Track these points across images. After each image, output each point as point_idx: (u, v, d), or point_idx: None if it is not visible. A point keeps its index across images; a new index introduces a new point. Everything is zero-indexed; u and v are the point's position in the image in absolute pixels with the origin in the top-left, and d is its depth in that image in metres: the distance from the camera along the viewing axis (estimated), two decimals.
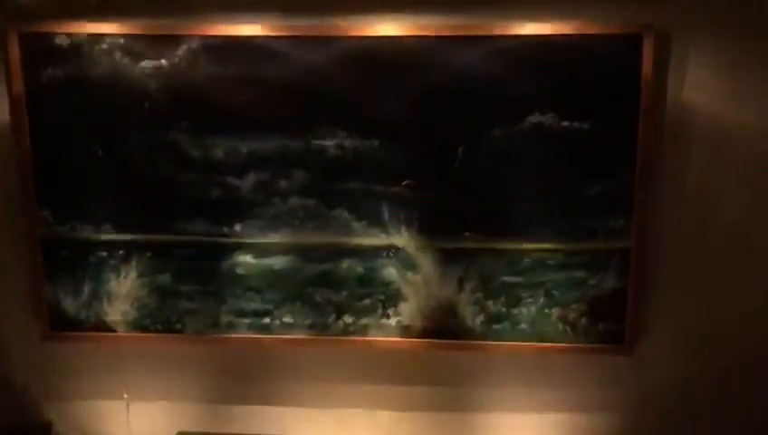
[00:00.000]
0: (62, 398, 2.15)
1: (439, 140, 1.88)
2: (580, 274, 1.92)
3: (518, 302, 1.95)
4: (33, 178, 1.98)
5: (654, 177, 1.87)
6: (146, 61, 1.89)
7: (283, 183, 1.94)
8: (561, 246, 1.91)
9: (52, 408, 2.15)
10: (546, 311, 1.95)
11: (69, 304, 2.05)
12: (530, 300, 1.95)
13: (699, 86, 1.85)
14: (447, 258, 1.95)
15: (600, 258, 1.91)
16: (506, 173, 1.89)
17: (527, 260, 1.93)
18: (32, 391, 2.15)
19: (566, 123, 1.85)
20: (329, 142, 1.90)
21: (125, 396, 2.09)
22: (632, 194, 1.88)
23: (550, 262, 1.92)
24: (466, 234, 1.93)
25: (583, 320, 1.94)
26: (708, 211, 1.92)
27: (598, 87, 1.84)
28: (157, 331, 2.05)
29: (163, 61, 1.89)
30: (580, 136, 1.85)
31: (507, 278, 1.94)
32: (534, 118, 1.86)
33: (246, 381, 2.10)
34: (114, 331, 2.05)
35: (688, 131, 1.87)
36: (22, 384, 2.15)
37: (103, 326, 2.05)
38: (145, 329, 2.05)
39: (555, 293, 1.94)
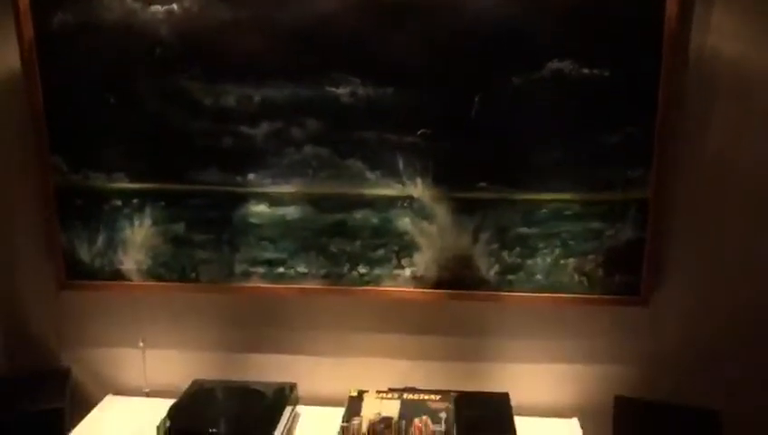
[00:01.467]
0: (80, 345, 2.18)
1: (456, 88, 1.84)
2: (596, 224, 1.90)
3: (534, 253, 1.94)
4: (46, 126, 1.97)
5: (675, 126, 1.83)
6: (157, 5, 1.85)
7: (296, 132, 1.91)
8: (578, 197, 1.88)
9: (69, 355, 2.19)
10: (562, 262, 1.93)
11: (84, 253, 2.06)
12: (545, 251, 1.93)
13: (725, 32, 1.79)
14: (462, 209, 1.93)
15: (617, 209, 1.88)
16: (524, 122, 1.85)
17: (543, 211, 1.90)
18: (49, 338, 2.18)
19: (586, 70, 1.80)
20: (342, 90, 1.86)
21: (141, 344, 2.12)
22: (652, 143, 1.83)
23: (566, 212, 1.90)
24: (482, 184, 1.90)
25: (599, 271, 1.93)
26: (730, 162, 1.87)
27: (619, 32, 1.77)
28: (171, 280, 2.05)
29: (174, 5, 1.85)
30: (599, 83, 1.80)
31: (523, 229, 1.92)
32: (553, 65, 1.80)
33: (261, 329, 2.12)
34: (129, 280, 2.07)
35: (712, 79, 1.82)
36: (39, 332, 2.18)
37: (119, 275, 2.06)
38: (160, 278, 2.06)
39: (571, 243, 1.92)
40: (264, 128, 1.91)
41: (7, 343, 2.20)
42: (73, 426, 1.99)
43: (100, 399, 2.15)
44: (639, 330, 1.99)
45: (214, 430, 1.83)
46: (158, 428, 1.83)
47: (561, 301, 1.96)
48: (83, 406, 2.11)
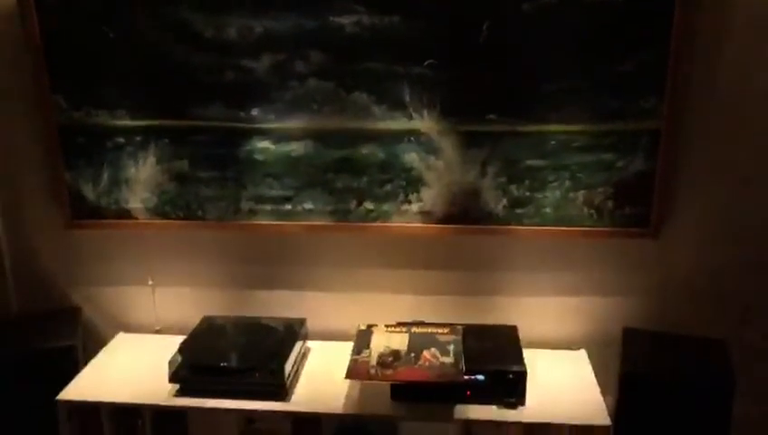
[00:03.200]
0: (89, 284, 2.18)
1: (463, 16, 1.78)
2: (607, 156, 1.86)
3: (542, 186, 1.91)
4: (44, 63, 1.93)
5: (689, 53, 1.77)
6: None
7: (299, 64, 1.87)
8: (588, 128, 1.84)
9: (79, 295, 2.20)
10: (571, 194, 1.91)
11: (89, 192, 2.05)
12: (554, 184, 1.91)
13: None
14: (470, 142, 1.90)
15: (628, 140, 1.85)
16: (533, 51, 1.80)
17: (553, 143, 1.87)
18: (58, 278, 2.19)
19: None
20: (346, 19, 1.81)
21: (150, 282, 2.12)
22: (665, 72, 1.78)
23: (576, 144, 1.86)
24: (490, 116, 1.86)
25: (609, 203, 1.90)
26: (745, 91, 1.82)
27: None
28: (178, 218, 2.05)
29: None
30: (612, 9, 1.74)
31: (532, 162, 1.89)
32: None
33: (270, 266, 2.12)
34: (136, 218, 2.06)
35: (728, 5, 1.75)
36: (48, 272, 2.19)
37: (125, 214, 2.06)
38: (166, 216, 2.05)
39: (581, 176, 1.89)
40: (267, 61, 1.87)
41: (17, 284, 2.21)
42: (86, 363, 2.02)
43: (112, 337, 2.17)
44: (648, 262, 1.98)
45: (225, 364, 1.85)
46: (170, 363, 1.85)
47: (570, 234, 1.94)
48: (95, 344, 2.13)
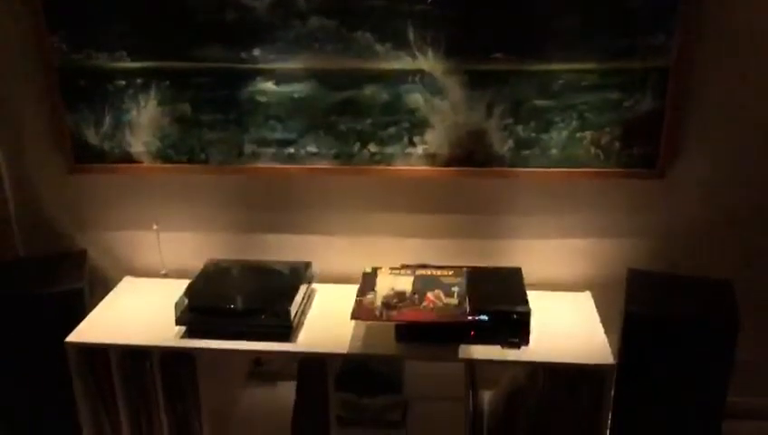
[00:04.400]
0: (94, 229, 2.18)
1: None
2: (615, 95, 1.83)
3: (549, 126, 1.89)
4: (42, 5, 1.89)
5: None
6: None
7: (300, 2, 1.82)
8: (596, 66, 1.81)
9: (83, 239, 2.20)
10: (578, 135, 1.88)
11: (91, 136, 2.03)
12: (561, 124, 1.88)
13: None
14: (476, 82, 1.86)
15: (636, 78, 1.81)
16: None
17: (560, 82, 1.83)
18: (63, 222, 2.19)
19: None
20: None
21: (155, 227, 2.12)
22: (675, 8, 1.74)
23: (584, 83, 1.83)
24: (497, 55, 1.83)
25: (616, 143, 1.88)
26: (758, 29, 1.78)
27: None
28: (181, 162, 2.03)
29: None
30: None
31: (538, 102, 1.86)
32: None
33: (274, 210, 2.11)
34: (139, 162, 2.05)
35: None
36: (53, 216, 2.19)
37: (128, 157, 2.04)
38: (169, 160, 2.03)
39: (588, 116, 1.86)
40: None
41: (22, 228, 2.21)
42: (93, 306, 2.03)
43: (118, 281, 2.18)
44: (654, 203, 1.97)
45: (231, 306, 1.86)
46: (176, 305, 1.86)
47: (576, 175, 1.93)
48: (101, 288, 2.14)
